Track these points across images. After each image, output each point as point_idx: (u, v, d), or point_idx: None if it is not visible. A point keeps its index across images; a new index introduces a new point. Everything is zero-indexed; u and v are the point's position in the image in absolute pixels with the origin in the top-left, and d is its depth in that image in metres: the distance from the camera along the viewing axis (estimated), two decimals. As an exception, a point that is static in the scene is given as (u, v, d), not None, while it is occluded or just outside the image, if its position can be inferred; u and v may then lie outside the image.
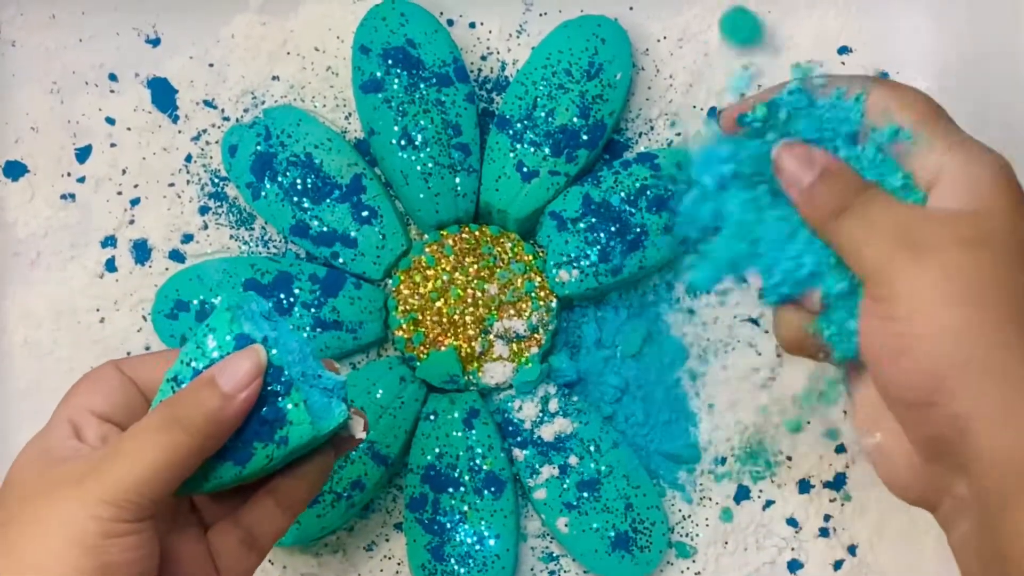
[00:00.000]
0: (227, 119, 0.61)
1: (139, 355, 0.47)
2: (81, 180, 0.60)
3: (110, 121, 0.60)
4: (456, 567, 0.57)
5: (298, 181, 0.58)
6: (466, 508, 0.58)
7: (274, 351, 0.43)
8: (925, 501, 0.43)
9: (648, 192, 0.58)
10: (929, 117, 0.43)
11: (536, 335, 0.59)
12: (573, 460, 0.58)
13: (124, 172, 0.60)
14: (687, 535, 0.60)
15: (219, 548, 0.46)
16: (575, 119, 0.58)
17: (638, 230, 0.58)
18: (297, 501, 0.46)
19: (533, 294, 0.59)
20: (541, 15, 0.61)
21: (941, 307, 0.39)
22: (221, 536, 0.46)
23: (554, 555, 0.60)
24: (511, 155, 0.59)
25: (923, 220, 0.41)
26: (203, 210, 0.60)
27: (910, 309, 0.40)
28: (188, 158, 0.61)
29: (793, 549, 0.60)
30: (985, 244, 0.40)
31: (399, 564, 0.60)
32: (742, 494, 0.60)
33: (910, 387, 0.40)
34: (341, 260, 0.58)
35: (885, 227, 0.41)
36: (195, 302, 0.58)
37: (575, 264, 0.58)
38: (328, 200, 0.58)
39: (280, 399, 0.43)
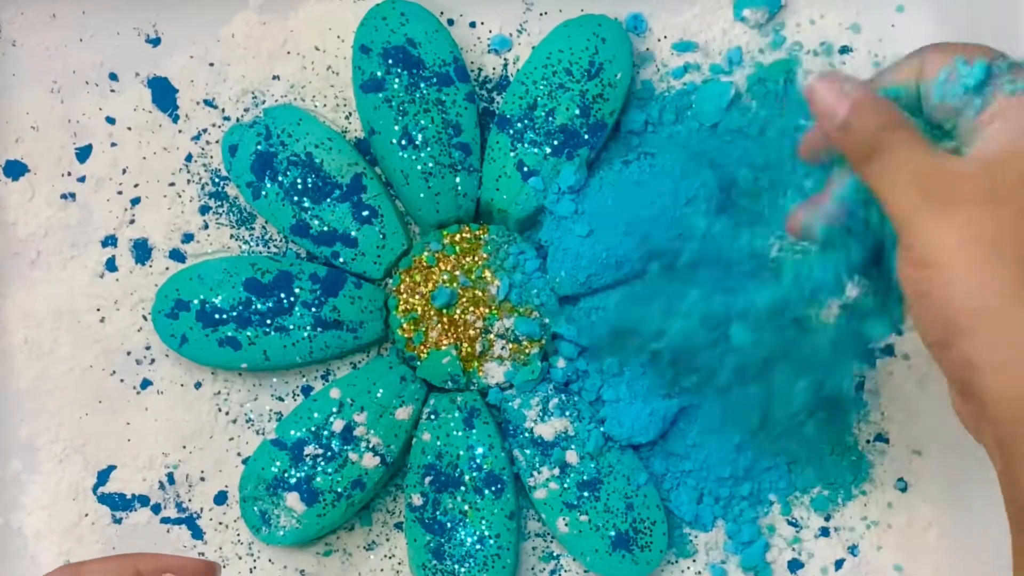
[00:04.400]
0: (227, 119, 0.61)
1: (99, 561, 0.44)
2: (81, 180, 0.60)
3: (110, 120, 0.61)
4: (456, 567, 0.57)
5: (298, 181, 0.58)
6: (466, 508, 0.58)
7: None
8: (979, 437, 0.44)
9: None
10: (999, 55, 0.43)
11: (536, 335, 0.59)
12: (573, 460, 0.58)
13: (124, 172, 0.60)
14: (687, 535, 0.60)
15: None
16: (575, 118, 0.58)
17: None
18: None
19: (534, 293, 0.59)
20: (541, 15, 0.61)
21: (960, 259, 0.40)
22: None
23: (554, 555, 0.60)
24: (511, 154, 0.59)
25: (947, 173, 0.41)
26: (203, 209, 0.60)
27: (933, 259, 0.40)
28: (188, 157, 0.61)
29: (793, 549, 0.60)
30: (1006, 200, 0.40)
31: (399, 564, 0.60)
32: (742, 494, 0.60)
33: (929, 327, 0.41)
34: (341, 259, 0.58)
35: (910, 176, 0.41)
36: (195, 302, 0.58)
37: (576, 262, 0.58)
38: (328, 200, 0.58)
39: None
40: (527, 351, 0.59)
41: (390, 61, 0.58)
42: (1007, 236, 0.40)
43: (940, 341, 0.41)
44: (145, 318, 0.60)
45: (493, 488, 0.58)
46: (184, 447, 0.60)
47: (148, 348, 0.60)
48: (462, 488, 0.58)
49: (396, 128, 0.58)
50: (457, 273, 0.59)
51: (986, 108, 0.42)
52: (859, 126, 0.42)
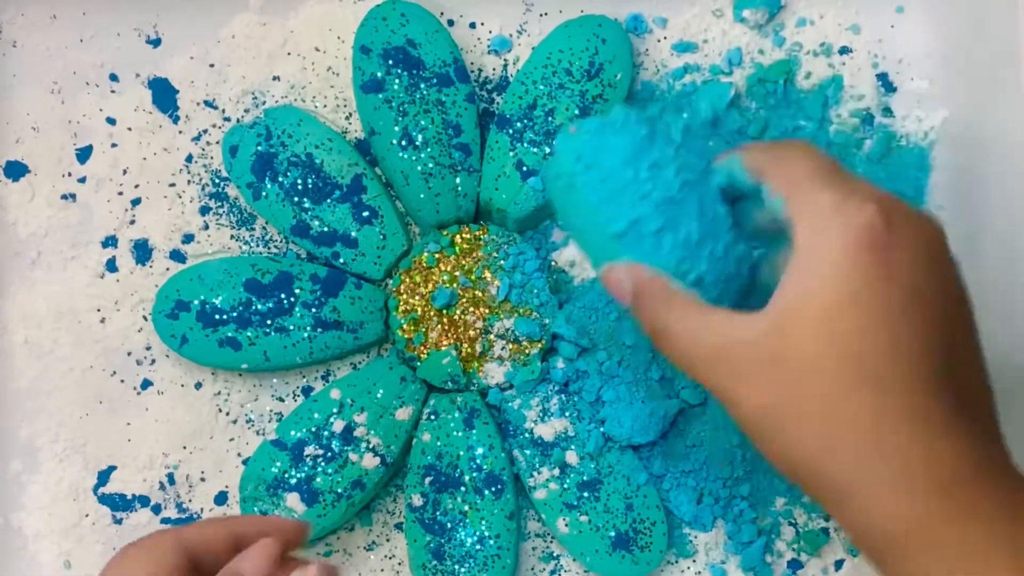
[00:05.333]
0: (228, 119, 0.61)
1: (200, 523, 0.46)
2: (82, 180, 0.60)
3: (111, 121, 0.61)
4: (456, 567, 0.57)
5: (299, 181, 0.58)
6: (466, 508, 0.58)
7: None
8: None
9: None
10: (794, 183, 0.42)
11: (536, 335, 0.59)
12: (573, 460, 0.58)
13: (125, 172, 0.60)
14: (687, 535, 0.60)
15: None
16: (575, 119, 0.58)
17: None
18: None
19: (534, 293, 0.59)
20: (541, 15, 0.61)
21: (772, 428, 0.41)
22: None
23: (554, 555, 0.60)
24: (511, 154, 0.59)
25: (735, 343, 0.41)
26: (204, 210, 0.60)
27: (756, 427, 0.42)
28: (189, 158, 0.61)
29: (793, 549, 0.60)
30: (789, 362, 0.40)
31: (399, 564, 0.60)
32: (742, 494, 0.60)
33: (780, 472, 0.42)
34: (342, 260, 0.58)
35: (702, 353, 0.42)
36: (196, 302, 0.58)
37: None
38: (329, 200, 0.58)
39: None
40: (527, 351, 0.59)
41: (390, 62, 0.58)
42: (790, 400, 0.40)
43: (792, 481, 0.42)
44: (145, 318, 0.60)
45: (493, 488, 0.58)
46: (184, 447, 0.60)
47: (148, 348, 0.60)
48: (462, 488, 0.58)
49: (396, 129, 0.58)
50: (457, 274, 0.59)
51: (785, 246, 0.42)
52: (640, 314, 0.44)
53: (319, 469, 0.57)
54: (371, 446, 0.57)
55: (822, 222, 0.40)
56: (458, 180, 0.59)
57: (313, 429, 0.57)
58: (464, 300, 0.58)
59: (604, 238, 0.45)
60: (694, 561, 0.60)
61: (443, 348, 0.58)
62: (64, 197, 0.60)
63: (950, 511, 0.39)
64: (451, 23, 0.61)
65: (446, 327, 0.58)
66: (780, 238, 0.44)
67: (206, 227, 0.60)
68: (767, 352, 0.40)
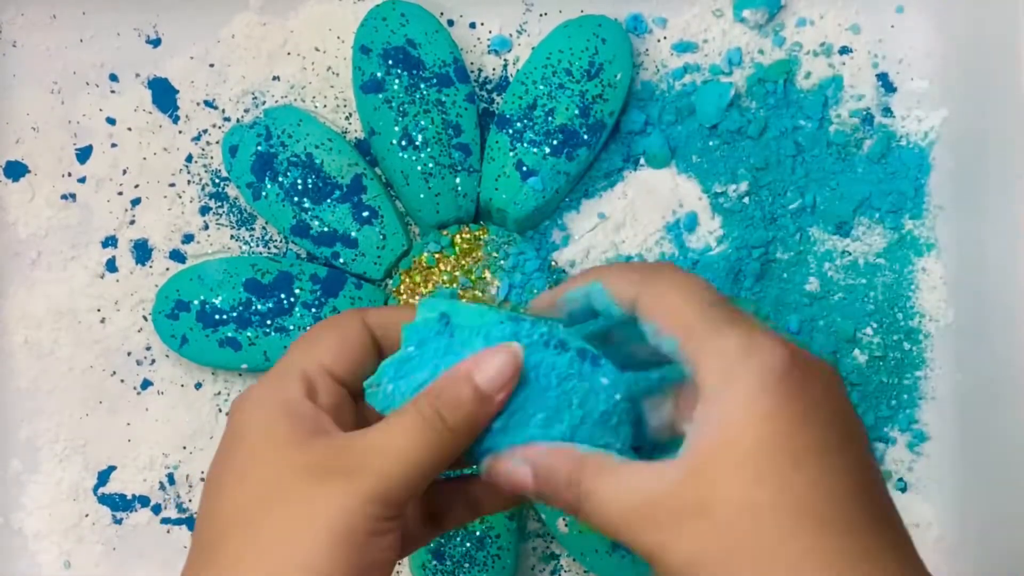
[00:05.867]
0: (228, 119, 0.61)
1: (385, 308, 0.45)
2: (82, 180, 0.60)
3: (111, 121, 0.61)
4: (456, 567, 0.57)
5: (299, 181, 0.58)
6: (466, 508, 0.58)
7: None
8: None
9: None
10: (688, 326, 0.40)
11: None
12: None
13: (125, 172, 0.60)
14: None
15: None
16: (575, 118, 0.58)
17: None
18: (489, 510, 0.45)
19: (534, 293, 0.59)
20: (541, 15, 0.61)
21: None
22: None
23: (554, 555, 0.60)
24: (511, 154, 0.59)
25: (658, 494, 0.38)
26: (204, 210, 0.60)
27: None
28: (189, 158, 0.61)
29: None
30: (716, 507, 0.38)
31: (399, 564, 0.60)
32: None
33: None
34: (342, 260, 0.58)
35: (619, 515, 0.39)
36: (195, 302, 0.58)
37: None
38: (329, 200, 0.58)
39: None
40: (527, 351, 0.58)
41: (390, 62, 0.58)
42: (723, 545, 0.37)
43: None
44: (145, 318, 0.60)
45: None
46: (184, 447, 0.60)
47: (148, 348, 0.60)
48: (462, 488, 0.58)
49: (396, 129, 0.58)
50: (457, 274, 0.59)
51: (692, 376, 0.40)
52: (551, 489, 0.41)
53: (319, 469, 0.57)
54: (371, 446, 0.57)
55: (732, 366, 0.38)
56: (458, 180, 0.59)
57: (313, 429, 0.57)
58: (464, 300, 0.58)
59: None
60: (694, 561, 0.60)
61: (443, 348, 0.58)
62: (64, 197, 0.60)
63: None
64: (451, 23, 0.61)
65: (446, 327, 0.58)
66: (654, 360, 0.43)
67: (206, 227, 0.60)
68: (691, 500, 0.38)
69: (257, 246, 0.60)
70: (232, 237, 0.60)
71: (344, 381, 0.43)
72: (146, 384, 0.60)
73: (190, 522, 0.60)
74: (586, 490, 0.40)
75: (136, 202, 0.60)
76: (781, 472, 0.37)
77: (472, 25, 0.61)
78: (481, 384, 0.41)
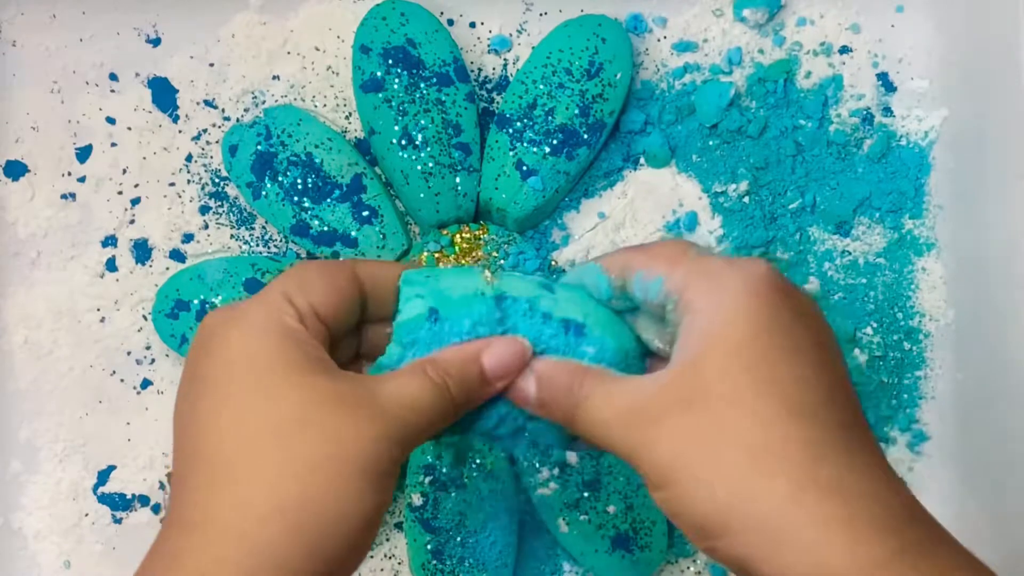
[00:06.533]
0: (227, 119, 0.61)
1: (376, 261, 0.46)
2: (82, 180, 0.60)
3: (111, 121, 0.61)
4: (456, 567, 0.57)
5: (298, 181, 0.58)
6: (467, 508, 0.58)
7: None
8: None
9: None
10: (673, 259, 0.42)
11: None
12: (573, 460, 0.58)
13: (125, 172, 0.60)
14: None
15: (369, 336, 0.45)
16: (575, 118, 0.58)
17: None
18: None
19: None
20: (541, 15, 0.61)
21: (689, 470, 0.38)
22: (375, 329, 0.45)
23: (554, 555, 0.60)
24: (511, 153, 0.59)
25: (645, 396, 0.40)
26: (203, 210, 0.60)
27: (665, 479, 0.39)
28: (188, 158, 0.61)
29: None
30: (707, 397, 0.39)
31: (399, 564, 0.60)
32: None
33: (692, 536, 0.39)
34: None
35: (613, 414, 0.40)
36: (195, 302, 0.58)
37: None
38: (328, 200, 0.58)
39: None
40: (527, 351, 0.58)
41: (390, 61, 0.58)
42: (713, 434, 0.38)
43: (706, 547, 0.39)
44: (145, 318, 0.60)
45: (493, 488, 0.58)
46: (184, 447, 0.60)
47: (148, 348, 0.60)
48: (462, 488, 0.58)
49: (396, 128, 0.58)
50: (457, 273, 0.59)
51: (678, 304, 0.41)
52: (551, 397, 0.43)
53: (319, 469, 0.57)
54: (371, 446, 0.57)
55: (717, 279, 0.40)
56: (458, 180, 0.59)
57: (313, 429, 0.57)
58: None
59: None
60: (694, 561, 0.60)
61: (443, 348, 0.58)
62: (64, 197, 0.60)
63: (905, 551, 0.37)
64: (451, 23, 0.61)
65: (446, 327, 0.58)
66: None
67: (206, 227, 0.60)
68: (678, 397, 0.39)
69: (257, 246, 0.60)
70: (232, 237, 0.60)
71: (326, 320, 0.42)
72: (146, 384, 0.60)
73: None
74: (583, 395, 0.42)
75: (136, 202, 0.60)
76: (769, 364, 0.39)
77: (472, 25, 0.61)
78: (488, 367, 0.42)
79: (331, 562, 0.37)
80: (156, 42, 0.61)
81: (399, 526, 0.60)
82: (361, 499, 0.38)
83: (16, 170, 0.60)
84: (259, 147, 0.58)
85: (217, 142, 0.61)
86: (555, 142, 0.58)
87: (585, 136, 0.59)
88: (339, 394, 0.39)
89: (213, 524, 0.37)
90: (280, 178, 0.58)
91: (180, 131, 0.61)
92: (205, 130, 0.61)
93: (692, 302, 0.41)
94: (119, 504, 0.60)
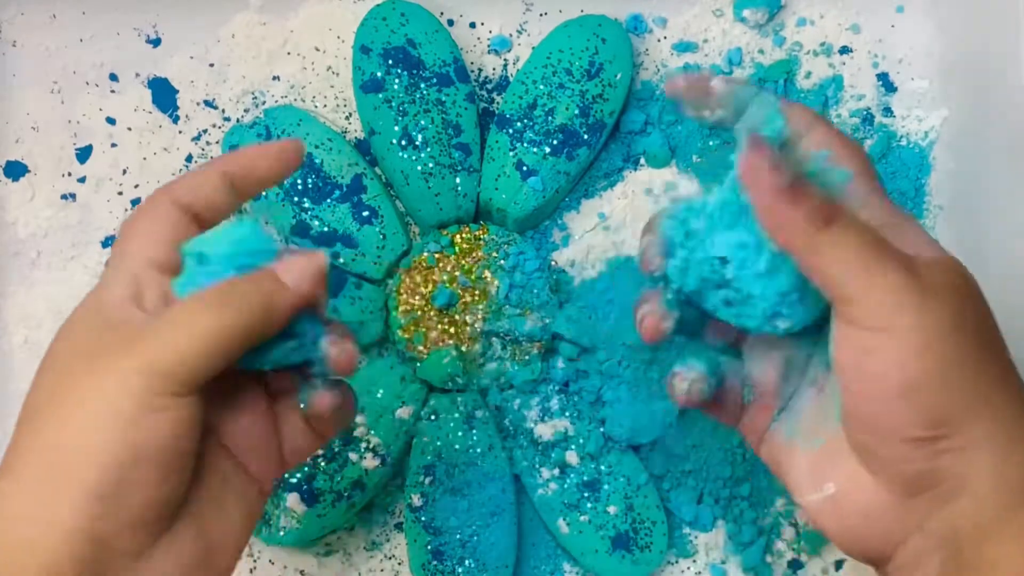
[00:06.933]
0: (228, 119, 0.61)
1: (186, 176, 0.44)
2: (82, 180, 0.60)
3: (111, 121, 0.61)
4: (456, 567, 0.57)
5: (298, 181, 0.58)
6: (467, 508, 0.58)
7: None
8: (881, 548, 0.41)
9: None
10: (869, 175, 0.42)
11: (536, 335, 0.59)
12: (573, 460, 0.58)
13: (125, 172, 0.60)
14: (687, 535, 0.60)
15: (283, 421, 0.44)
16: (575, 118, 0.58)
17: None
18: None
19: (534, 293, 0.59)
20: (541, 15, 0.61)
21: (944, 344, 0.38)
22: (286, 409, 0.44)
23: (555, 555, 0.60)
24: (511, 154, 0.59)
25: (915, 261, 0.40)
26: (203, 210, 0.60)
27: (921, 347, 0.38)
28: (189, 158, 0.61)
29: (794, 549, 0.60)
30: (968, 292, 0.41)
31: (399, 564, 0.60)
32: (742, 494, 0.60)
33: (919, 423, 0.39)
34: (341, 260, 0.58)
35: (863, 240, 0.39)
36: (195, 302, 0.58)
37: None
38: (329, 200, 0.58)
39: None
40: (527, 351, 0.59)
41: (390, 61, 0.58)
42: (975, 321, 0.40)
43: (929, 436, 0.39)
44: (145, 318, 0.60)
45: (493, 488, 0.58)
46: (184, 447, 0.60)
47: (148, 348, 0.60)
48: (462, 489, 0.58)
49: (396, 128, 0.58)
50: (457, 273, 0.59)
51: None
52: (796, 209, 0.39)
53: (319, 469, 0.57)
54: (371, 446, 0.57)
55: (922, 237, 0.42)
56: (458, 180, 0.59)
57: (313, 429, 0.57)
58: (464, 300, 0.58)
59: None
60: (694, 561, 0.60)
61: (443, 348, 0.58)
62: (64, 197, 0.60)
63: None
64: (451, 23, 0.61)
65: (446, 327, 0.58)
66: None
67: (206, 227, 0.60)
68: (923, 285, 0.39)
69: (257, 246, 0.60)
70: (232, 237, 0.60)
71: (171, 267, 0.42)
72: (146, 384, 0.60)
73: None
74: (841, 227, 0.39)
75: (136, 202, 0.60)
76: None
77: (472, 25, 0.61)
78: (286, 282, 0.41)
79: (106, 499, 0.37)
80: (156, 42, 0.61)
81: (399, 526, 0.60)
82: (105, 440, 0.38)
83: (16, 170, 0.60)
84: (259, 147, 0.58)
85: (217, 142, 0.61)
86: (555, 142, 0.58)
87: (585, 136, 0.59)
88: (93, 348, 0.39)
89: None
90: (280, 178, 0.58)
91: (180, 131, 0.61)
92: (205, 130, 0.61)
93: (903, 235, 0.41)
94: (119, 504, 0.60)
